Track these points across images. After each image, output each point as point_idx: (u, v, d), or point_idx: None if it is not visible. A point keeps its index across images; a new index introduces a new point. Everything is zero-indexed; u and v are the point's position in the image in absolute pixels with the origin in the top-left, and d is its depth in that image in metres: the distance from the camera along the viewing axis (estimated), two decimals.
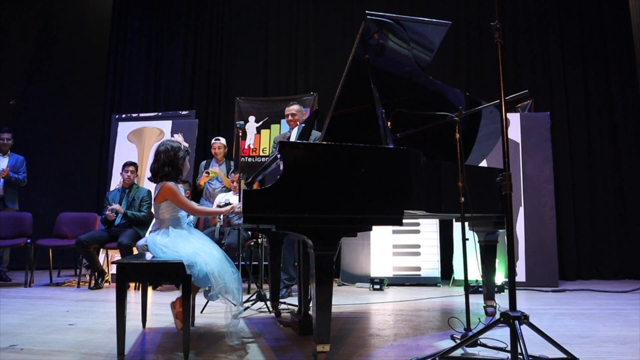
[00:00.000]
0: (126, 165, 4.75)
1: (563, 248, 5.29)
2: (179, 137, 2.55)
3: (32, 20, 6.73)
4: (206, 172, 4.93)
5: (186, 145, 2.56)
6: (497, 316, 1.93)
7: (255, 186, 2.92)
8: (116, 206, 4.50)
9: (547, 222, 4.74)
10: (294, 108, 3.98)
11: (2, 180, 4.93)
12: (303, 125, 3.70)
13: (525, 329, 1.73)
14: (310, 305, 2.20)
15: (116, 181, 5.26)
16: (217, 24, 6.85)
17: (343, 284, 4.92)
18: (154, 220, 2.65)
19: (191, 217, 2.65)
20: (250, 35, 6.68)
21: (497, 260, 3.12)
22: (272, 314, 3.14)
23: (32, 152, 6.42)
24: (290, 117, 3.96)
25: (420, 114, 2.47)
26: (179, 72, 6.78)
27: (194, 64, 6.81)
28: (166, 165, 2.43)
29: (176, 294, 4.09)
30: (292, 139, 3.83)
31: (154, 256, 2.27)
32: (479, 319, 2.72)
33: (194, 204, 2.54)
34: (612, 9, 5.80)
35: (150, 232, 2.80)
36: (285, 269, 3.88)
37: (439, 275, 4.80)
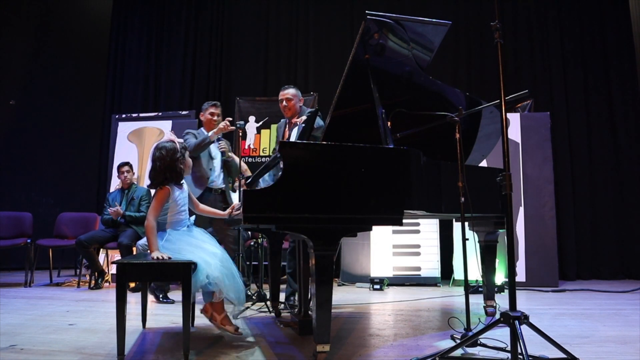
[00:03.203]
0: (120, 166, 4.75)
1: (563, 248, 5.29)
2: (171, 136, 2.45)
3: (32, 20, 6.73)
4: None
5: (181, 141, 2.46)
6: (497, 316, 1.93)
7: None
8: (116, 208, 4.50)
9: (547, 222, 4.74)
10: (289, 92, 3.42)
11: None
12: (303, 125, 3.67)
13: (525, 329, 1.73)
14: (310, 305, 2.20)
15: (116, 181, 5.26)
16: (217, 24, 6.85)
17: (343, 284, 4.92)
18: None
19: (193, 217, 2.62)
20: (250, 35, 6.68)
21: (497, 260, 3.12)
22: (272, 314, 3.14)
23: (32, 152, 6.44)
24: (284, 103, 3.41)
25: (420, 114, 2.47)
26: (179, 72, 6.78)
27: (194, 64, 6.81)
28: (162, 172, 2.35)
29: (176, 294, 4.10)
30: (292, 138, 3.82)
31: None
32: (479, 319, 2.72)
33: (152, 217, 2.32)
34: (612, 9, 5.80)
35: None
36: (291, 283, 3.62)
37: (439, 275, 4.80)
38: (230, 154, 3.65)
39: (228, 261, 2.30)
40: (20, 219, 4.94)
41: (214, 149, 3.67)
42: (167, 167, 2.35)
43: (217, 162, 3.69)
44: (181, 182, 2.45)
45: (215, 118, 3.69)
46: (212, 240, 2.43)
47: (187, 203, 2.50)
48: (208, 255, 2.22)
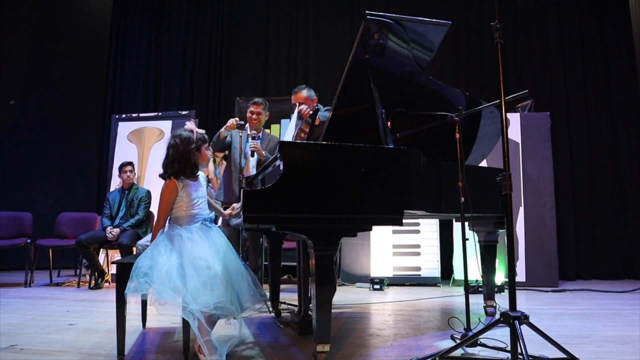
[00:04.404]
0: (123, 165, 4.72)
1: (563, 248, 5.28)
2: (191, 125, 2.28)
3: (32, 20, 6.74)
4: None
5: (201, 131, 2.29)
6: (497, 316, 1.93)
7: None
8: (113, 234, 4.45)
9: (547, 222, 4.74)
10: (300, 95, 3.26)
11: None
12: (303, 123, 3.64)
13: (525, 329, 1.73)
14: (310, 305, 2.20)
15: (116, 181, 5.26)
16: (217, 24, 6.85)
17: (343, 284, 4.92)
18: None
19: (213, 213, 2.46)
20: (250, 35, 6.68)
21: (497, 260, 3.12)
22: (272, 314, 3.14)
23: (32, 152, 6.44)
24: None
25: (420, 114, 2.47)
26: (179, 72, 6.78)
27: (194, 64, 6.81)
28: (176, 162, 2.18)
29: None
30: (288, 138, 3.78)
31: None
32: (479, 319, 2.72)
33: (162, 218, 2.19)
34: (612, 8, 5.80)
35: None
36: None
37: (439, 275, 4.80)
38: (263, 152, 3.61)
39: (206, 269, 2.04)
40: (20, 219, 4.95)
41: (247, 149, 3.56)
42: (180, 156, 2.20)
43: (252, 162, 3.65)
44: (196, 174, 2.28)
45: (254, 117, 3.65)
46: (218, 245, 2.18)
47: (204, 197, 2.32)
48: (171, 261, 2.01)
